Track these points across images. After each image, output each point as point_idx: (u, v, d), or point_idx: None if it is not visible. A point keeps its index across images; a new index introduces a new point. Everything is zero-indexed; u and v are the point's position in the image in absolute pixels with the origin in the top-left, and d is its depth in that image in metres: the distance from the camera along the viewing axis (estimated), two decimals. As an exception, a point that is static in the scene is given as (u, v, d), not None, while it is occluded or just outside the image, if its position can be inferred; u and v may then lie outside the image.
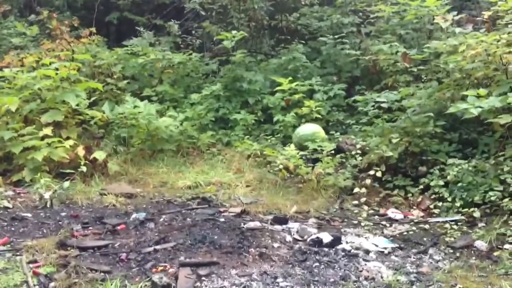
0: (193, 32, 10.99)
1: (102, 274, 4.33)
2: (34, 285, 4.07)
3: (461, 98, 6.41)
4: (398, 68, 8.45)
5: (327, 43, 9.74)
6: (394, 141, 6.71)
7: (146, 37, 10.83)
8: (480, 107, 5.87)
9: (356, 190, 6.45)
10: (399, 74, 8.46)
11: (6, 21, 11.19)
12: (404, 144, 6.69)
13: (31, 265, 4.42)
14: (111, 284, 4.05)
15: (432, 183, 6.20)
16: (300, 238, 5.32)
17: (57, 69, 7.78)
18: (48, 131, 7.10)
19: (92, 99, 8.39)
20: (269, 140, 8.27)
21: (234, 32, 9.47)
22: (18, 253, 4.69)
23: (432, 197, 6.13)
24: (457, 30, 7.38)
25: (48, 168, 6.87)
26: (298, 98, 8.68)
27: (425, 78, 8.25)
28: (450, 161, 6.31)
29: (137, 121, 7.90)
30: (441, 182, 6.13)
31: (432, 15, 8.15)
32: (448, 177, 6.06)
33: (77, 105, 7.64)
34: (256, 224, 5.66)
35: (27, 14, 12.27)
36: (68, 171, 6.80)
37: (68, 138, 7.29)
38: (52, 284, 4.15)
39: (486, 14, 7.23)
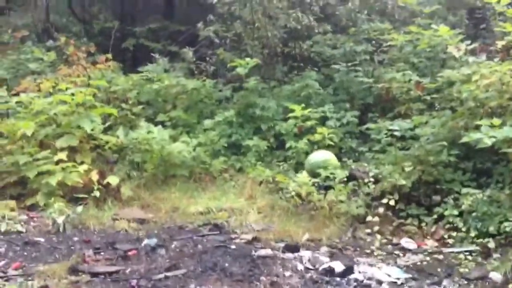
0: (207, 58, 11.10)
1: (112, 302, 4.34)
2: (45, 311, 4.08)
3: (475, 127, 6.38)
4: (411, 96, 8.45)
5: (340, 71, 9.78)
6: (407, 169, 6.67)
7: (161, 63, 10.97)
8: (494, 137, 5.84)
9: (369, 218, 6.40)
10: (412, 102, 8.45)
11: (24, 47, 11.40)
12: (418, 173, 6.65)
13: (42, 291, 4.43)
14: (121, 311, 4.04)
15: (446, 213, 6.15)
16: (311, 267, 5.28)
17: (73, 94, 7.90)
18: (62, 155, 7.17)
19: (107, 124, 8.46)
20: (281, 167, 8.26)
21: (247, 59, 9.56)
22: (30, 278, 4.71)
23: (446, 226, 6.07)
24: (471, 59, 7.38)
25: (62, 192, 6.92)
26: (311, 125, 8.68)
27: (438, 106, 8.22)
28: (464, 190, 6.25)
29: (151, 146, 7.94)
30: (455, 212, 6.07)
31: (446, 44, 8.18)
32: (463, 207, 6.01)
33: (92, 130, 7.72)
34: (267, 251, 5.62)
35: (45, 39, 12.50)
36: (81, 195, 6.84)
37: (82, 162, 7.35)
38: (63, 310, 4.16)
39: (500, 44, 7.23)
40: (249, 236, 6.10)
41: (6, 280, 4.67)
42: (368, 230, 6.33)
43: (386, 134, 7.70)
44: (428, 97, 8.18)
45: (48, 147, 7.54)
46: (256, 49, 10.71)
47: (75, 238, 5.95)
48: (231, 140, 9.06)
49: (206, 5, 11.14)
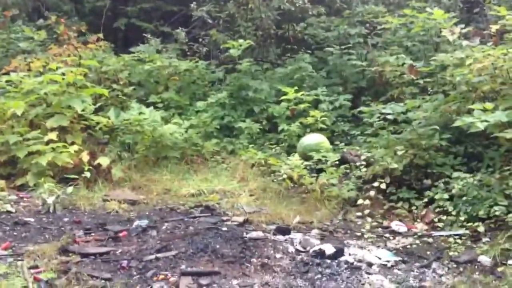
0: (200, 40, 11.01)
1: (102, 281, 4.33)
2: (35, 292, 4.07)
3: (467, 112, 6.38)
4: (404, 80, 8.43)
5: (334, 54, 9.74)
6: (399, 153, 6.68)
7: (153, 44, 10.86)
8: (486, 121, 5.84)
9: (360, 201, 6.42)
10: (405, 86, 8.44)
11: (14, 25, 11.24)
12: (409, 157, 6.65)
13: (32, 271, 4.41)
14: (112, 292, 4.04)
15: (436, 197, 6.15)
16: (302, 249, 5.29)
17: (63, 74, 7.81)
18: (53, 136, 7.11)
19: (98, 104, 8.39)
20: (273, 149, 8.25)
21: (240, 40, 9.49)
22: (19, 258, 4.69)
23: (437, 210, 6.08)
24: (464, 43, 7.35)
25: (52, 173, 6.88)
26: (304, 107, 8.67)
27: (431, 90, 8.21)
28: (455, 174, 6.26)
29: (142, 128, 7.90)
30: (446, 196, 6.08)
31: (440, 27, 8.14)
32: (453, 191, 6.02)
33: (83, 110, 7.65)
34: (258, 234, 5.62)
35: (35, 18, 12.33)
36: (72, 176, 6.80)
37: (73, 143, 7.30)
38: (52, 290, 4.14)
39: (494, 28, 7.20)
40: (240, 218, 6.10)
41: (-4, 260, 4.64)
42: (359, 213, 6.35)
43: (378, 117, 7.67)
44: (421, 81, 8.17)
45: (38, 127, 7.49)
46: (249, 31, 10.64)
47: (65, 219, 5.92)
48: (223, 122, 9.05)
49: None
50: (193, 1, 10.78)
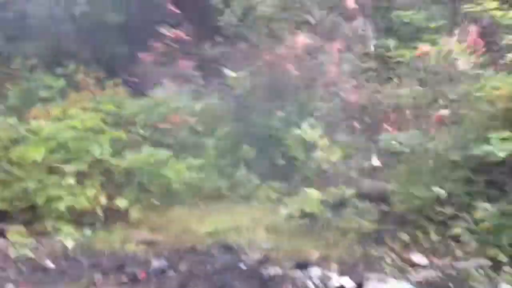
0: (214, 78, 11.19)
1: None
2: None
3: (486, 140, 6.32)
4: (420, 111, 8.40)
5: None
6: (420, 183, 6.60)
7: (170, 85, 11.08)
8: (505, 150, 5.80)
9: (379, 234, 6.32)
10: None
11: (33, 74, 11.56)
12: (430, 187, 6.56)
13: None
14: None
15: (457, 227, 6.05)
16: (321, 285, 5.22)
17: (82, 119, 7.98)
18: (71, 180, 7.21)
19: (116, 147, 8.50)
20: (289, 184, 8.22)
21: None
22: (39, 304, 4.71)
23: (458, 241, 5.96)
24: (479, 71, 7.36)
25: (70, 216, 6.93)
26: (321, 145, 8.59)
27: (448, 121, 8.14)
28: (476, 204, 6.16)
29: (158, 168, 7.97)
30: (467, 225, 5.98)
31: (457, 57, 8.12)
32: (474, 221, 5.91)
33: (101, 154, 7.77)
34: (276, 270, 5.59)
35: (54, 66, 12.66)
36: (90, 220, 6.86)
37: (91, 186, 7.38)
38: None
39: (509, 58, 7.16)
40: (258, 255, 6.06)
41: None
42: (379, 247, 6.24)
43: (395, 147, 7.62)
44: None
45: (57, 172, 7.59)
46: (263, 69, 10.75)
47: (84, 262, 5.95)
48: (235, 158, 9.05)
49: (213, 28, 11.23)
50: (206, 43, 10.99)
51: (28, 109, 9.74)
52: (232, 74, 9.92)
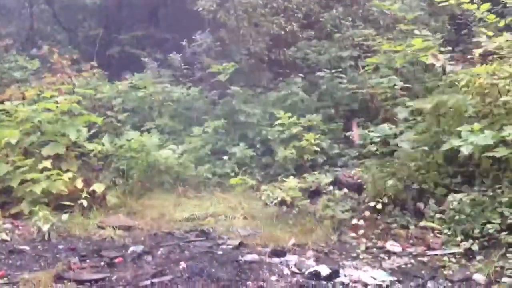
0: (194, 66, 11.15)
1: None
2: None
3: (458, 133, 6.46)
4: (395, 102, 8.53)
5: (325, 77, 9.85)
6: (392, 174, 6.73)
7: (147, 70, 11.01)
8: (472, 143, 5.94)
9: (354, 222, 6.44)
10: (396, 107, 8.52)
11: (8, 55, 11.34)
12: (403, 177, 6.71)
13: (27, 300, 4.40)
14: (108, 318, 4.02)
15: (430, 216, 6.20)
16: (298, 271, 5.29)
17: (57, 102, 7.87)
18: (47, 163, 7.14)
19: (92, 131, 8.44)
20: (267, 173, 8.30)
21: (225, 64, 9.61)
22: (14, 287, 4.67)
23: (431, 229, 6.11)
24: (449, 68, 7.49)
25: (46, 200, 6.89)
26: (297, 132, 8.71)
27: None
28: (448, 194, 6.31)
29: (137, 153, 7.94)
30: (440, 215, 6.13)
31: (420, 56, 8.24)
32: (447, 210, 6.06)
33: (77, 138, 7.69)
34: (254, 257, 5.63)
35: (29, 48, 12.45)
36: (66, 203, 6.81)
37: (67, 170, 7.32)
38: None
39: (477, 52, 7.31)
40: (235, 242, 6.11)
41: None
42: (354, 234, 6.35)
43: (371, 139, 7.76)
44: (412, 103, 8.27)
45: (33, 155, 7.50)
46: (242, 56, 10.77)
47: (61, 246, 5.92)
48: (216, 146, 9.10)
49: (191, 13, 11.17)
50: (185, 28, 10.93)
51: (2, 90, 9.58)
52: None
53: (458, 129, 6.34)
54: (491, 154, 6.03)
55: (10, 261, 5.40)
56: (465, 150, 5.85)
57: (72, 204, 6.83)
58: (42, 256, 5.59)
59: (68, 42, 13.27)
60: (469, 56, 8.09)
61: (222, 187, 8.21)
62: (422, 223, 6.23)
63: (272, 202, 7.17)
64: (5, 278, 4.88)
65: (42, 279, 4.81)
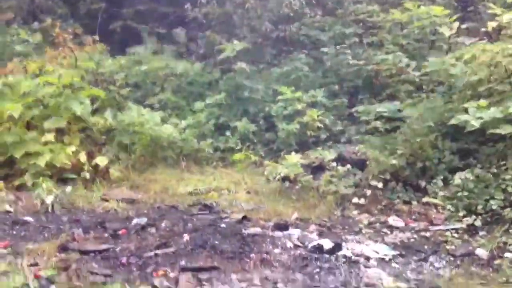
0: (198, 40, 11.05)
1: (103, 277, 4.34)
2: (35, 288, 4.07)
3: (463, 110, 6.43)
4: (400, 78, 8.48)
5: (329, 53, 9.77)
6: (396, 150, 6.72)
7: (150, 44, 10.90)
8: (481, 118, 5.92)
9: (357, 198, 6.44)
10: (401, 84, 8.49)
11: (9, 29, 11.23)
12: (406, 154, 6.69)
13: (32, 268, 4.42)
14: (112, 287, 4.04)
15: (433, 192, 6.20)
16: (301, 245, 5.32)
17: (60, 76, 7.83)
18: (50, 137, 7.13)
19: (95, 106, 8.40)
20: (270, 149, 8.29)
21: (235, 42, 9.53)
22: (19, 257, 4.69)
23: (434, 205, 6.12)
24: (460, 39, 7.41)
25: (50, 173, 6.88)
26: (300, 108, 8.67)
27: (426, 88, 8.27)
28: (452, 170, 6.31)
29: (141, 128, 7.92)
30: (443, 191, 6.13)
31: (438, 23, 8.17)
32: (450, 186, 6.07)
33: (80, 112, 7.67)
34: (257, 230, 5.66)
35: (30, 21, 12.32)
36: (70, 176, 6.82)
37: (70, 144, 7.31)
38: (53, 287, 4.15)
39: (490, 25, 7.22)
40: (238, 216, 6.13)
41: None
42: (357, 210, 6.38)
43: (375, 116, 7.74)
44: (417, 79, 8.22)
45: (36, 128, 7.48)
46: (246, 31, 10.66)
47: (64, 218, 5.94)
48: (219, 122, 9.06)
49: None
50: (187, 2, 10.79)
51: (4, 64, 9.51)
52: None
53: (465, 105, 6.31)
54: (496, 131, 6.00)
55: (14, 232, 5.42)
56: (475, 124, 5.82)
57: (75, 177, 6.84)
58: (46, 227, 5.61)
59: (70, 16, 13.11)
60: (482, 29, 7.97)
61: (225, 163, 8.22)
62: (425, 199, 6.25)
63: (275, 178, 7.18)
64: (9, 248, 4.90)
65: (46, 250, 4.83)
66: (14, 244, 5.01)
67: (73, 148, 7.14)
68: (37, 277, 4.26)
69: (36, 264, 4.51)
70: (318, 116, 8.43)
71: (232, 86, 9.45)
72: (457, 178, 6.07)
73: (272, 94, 9.38)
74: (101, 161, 7.15)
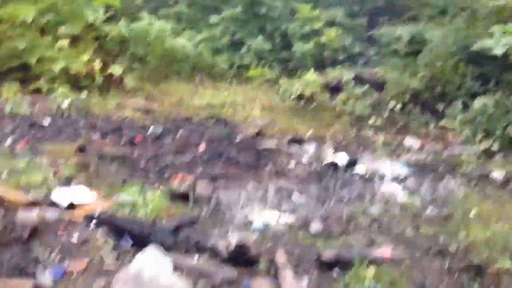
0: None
1: (121, 179, 4.38)
2: (55, 185, 4.12)
3: (488, 35, 6.24)
4: (422, 1, 8.21)
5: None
6: (416, 73, 6.60)
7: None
8: (506, 44, 5.75)
9: (374, 118, 6.41)
10: (424, 7, 8.22)
11: None
12: (427, 77, 6.59)
13: (51, 167, 4.45)
14: (131, 189, 4.08)
15: (451, 116, 6.15)
16: (315, 160, 5.33)
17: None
18: (65, 43, 7.01)
19: (108, 15, 8.20)
20: (286, 67, 8.16)
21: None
22: (39, 155, 4.72)
23: (451, 129, 6.09)
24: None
25: (65, 80, 6.82)
26: (318, 27, 8.46)
27: (450, 13, 8.00)
28: (472, 96, 6.23)
29: (155, 38, 7.77)
30: (461, 116, 6.08)
31: None
32: (470, 110, 6.00)
33: (94, 20, 7.50)
34: (272, 144, 5.67)
35: None
36: (84, 84, 6.77)
37: (84, 51, 7.20)
38: (73, 184, 4.20)
39: None
40: (253, 130, 6.12)
41: (15, 156, 4.68)
42: (373, 130, 6.35)
43: (395, 38, 7.54)
44: (440, 2, 7.95)
45: (50, 34, 7.35)
46: None
47: (81, 123, 5.93)
48: (234, 38, 8.88)
49: None
50: None
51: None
52: None
53: (491, 29, 6.11)
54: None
55: (32, 134, 5.42)
56: (499, 50, 5.66)
57: (90, 84, 6.78)
58: (63, 130, 5.62)
59: None
60: None
61: (239, 79, 8.12)
62: (442, 123, 6.22)
63: (290, 96, 7.13)
64: (29, 147, 4.92)
65: (64, 151, 4.86)
66: (33, 144, 5.04)
67: (87, 56, 7.04)
68: (57, 175, 4.30)
69: (55, 164, 4.55)
70: (336, 36, 8.23)
71: (249, 2, 9.17)
72: (477, 103, 6.00)
73: (289, 13, 9.12)
74: (115, 70, 7.07)
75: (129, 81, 7.16)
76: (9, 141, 5.06)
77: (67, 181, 4.22)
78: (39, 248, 3.18)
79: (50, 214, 3.57)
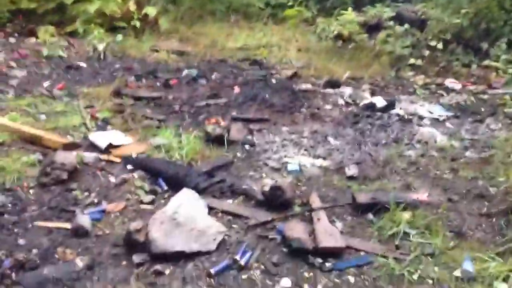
0: None
1: (157, 121, 4.41)
2: (92, 127, 4.19)
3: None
4: None
5: None
6: (460, 9, 6.29)
7: None
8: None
9: (413, 59, 6.19)
10: None
11: None
12: (471, 13, 6.26)
13: (88, 110, 4.52)
14: (166, 132, 4.12)
15: (496, 55, 5.88)
16: (352, 102, 5.22)
17: None
18: (99, -17, 6.95)
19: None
20: (323, 6, 7.90)
21: None
22: (75, 98, 4.79)
23: (494, 69, 5.84)
24: None
25: (100, 21, 6.81)
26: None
27: None
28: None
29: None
30: (506, 55, 5.81)
31: None
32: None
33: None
34: (308, 86, 5.57)
35: None
36: (120, 25, 6.74)
37: (119, -8, 7.13)
38: (109, 127, 4.27)
39: None
40: (289, 72, 6.01)
41: (53, 99, 4.76)
42: (412, 71, 6.15)
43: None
44: None
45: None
46: None
47: (116, 65, 5.96)
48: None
49: None
50: None
51: None
52: None
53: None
54: None
55: (69, 76, 5.50)
56: None
57: (125, 26, 6.76)
58: (99, 73, 5.67)
59: None
60: None
61: (275, 19, 7.92)
62: (486, 63, 5.96)
63: (327, 36, 6.94)
64: (65, 90, 4.99)
65: (100, 93, 4.91)
66: (70, 87, 5.10)
67: (122, -3, 6.98)
68: (93, 117, 4.38)
69: (92, 106, 4.61)
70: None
71: None
72: (524, 42, 5.71)
73: None
74: (150, 11, 6.99)
75: (163, 23, 7.10)
76: (46, 84, 5.13)
77: (104, 124, 4.30)
78: (78, 189, 3.28)
79: (89, 156, 3.65)
